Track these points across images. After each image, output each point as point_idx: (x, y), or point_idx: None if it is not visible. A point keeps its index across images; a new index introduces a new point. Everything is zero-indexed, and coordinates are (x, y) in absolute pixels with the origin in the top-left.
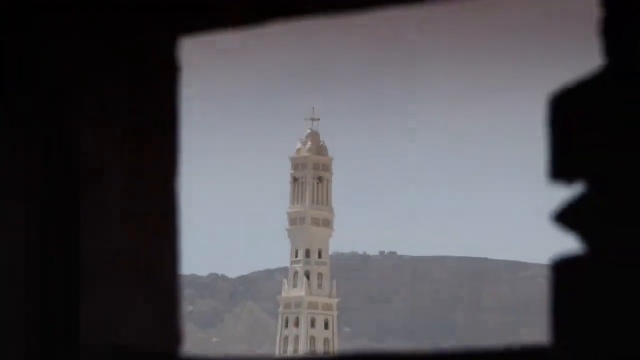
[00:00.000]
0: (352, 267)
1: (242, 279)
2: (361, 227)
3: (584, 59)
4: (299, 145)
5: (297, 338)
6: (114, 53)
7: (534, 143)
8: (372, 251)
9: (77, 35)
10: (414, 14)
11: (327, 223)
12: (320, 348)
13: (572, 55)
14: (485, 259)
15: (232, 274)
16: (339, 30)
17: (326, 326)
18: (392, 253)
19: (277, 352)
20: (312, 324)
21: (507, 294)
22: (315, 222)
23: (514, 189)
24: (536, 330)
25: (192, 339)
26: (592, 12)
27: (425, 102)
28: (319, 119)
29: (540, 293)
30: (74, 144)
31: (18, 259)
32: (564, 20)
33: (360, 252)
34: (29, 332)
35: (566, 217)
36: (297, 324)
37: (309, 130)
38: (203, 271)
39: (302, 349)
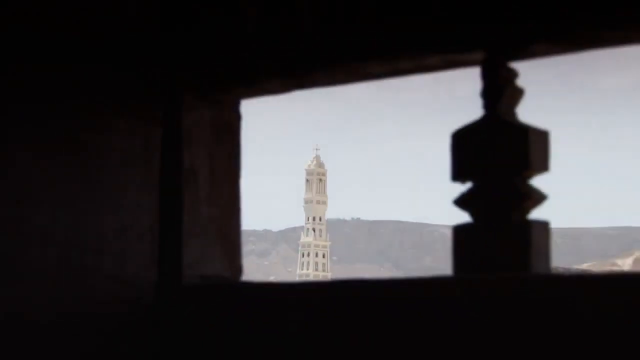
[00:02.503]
0: (337, 226)
1: (280, 232)
2: (341, 204)
3: (473, 111)
4: (309, 162)
5: (308, 263)
6: (204, 106)
7: (442, 158)
8: (347, 217)
9: (184, 86)
10: (384, 83)
11: (324, 203)
12: (320, 268)
13: (467, 109)
14: (406, 222)
15: (275, 229)
16: (330, 97)
17: (323, 256)
18: (358, 218)
19: (298, 270)
20: (316, 255)
21: (418, 240)
22: (318, 202)
23: (427, 185)
24: (433, 257)
25: (253, 263)
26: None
27: (377, 141)
28: (320, 149)
29: (435, 239)
30: (182, 157)
31: (145, 226)
32: (462, 89)
33: (341, 218)
34: (152, 266)
35: (462, 201)
36: (308, 255)
37: (314, 155)
38: (260, 227)
39: (311, 268)
